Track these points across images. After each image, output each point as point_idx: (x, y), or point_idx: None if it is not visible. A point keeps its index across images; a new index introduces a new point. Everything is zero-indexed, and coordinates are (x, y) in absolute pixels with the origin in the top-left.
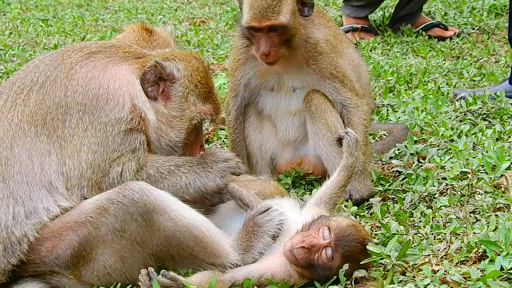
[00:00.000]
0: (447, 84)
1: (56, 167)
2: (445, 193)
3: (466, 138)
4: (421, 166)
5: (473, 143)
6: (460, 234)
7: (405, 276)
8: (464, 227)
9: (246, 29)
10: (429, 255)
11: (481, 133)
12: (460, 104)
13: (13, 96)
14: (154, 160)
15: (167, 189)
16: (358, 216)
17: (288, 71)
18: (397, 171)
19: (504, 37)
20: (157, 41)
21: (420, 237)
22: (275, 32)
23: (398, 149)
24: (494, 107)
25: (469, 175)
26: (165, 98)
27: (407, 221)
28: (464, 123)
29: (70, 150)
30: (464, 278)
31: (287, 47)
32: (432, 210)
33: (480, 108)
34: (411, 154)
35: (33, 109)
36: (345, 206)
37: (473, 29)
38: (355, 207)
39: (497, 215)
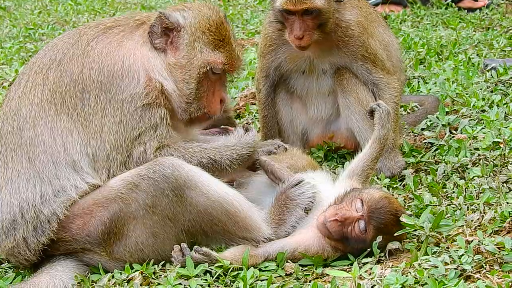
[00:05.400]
0: (477, 55)
1: (79, 147)
2: (477, 164)
3: (498, 108)
4: (453, 137)
5: (505, 113)
6: (493, 204)
7: (439, 247)
8: (497, 197)
9: (279, 12)
10: (462, 225)
11: None
12: (491, 75)
13: (33, 76)
14: (182, 146)
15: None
16: (391, 188)
17: (319, 55)
18: (429, 142)
19: None
20: None
21: (453, 208)
22: (309, 15)
23: (430, 121)
24: None
25: (501, 145)
26: (174, 49)
27: (440, 192)
28: (495, 93)
29: (93, 130)
30: (498, 248)
31: (321, 32)
32: (465, 180)
33: (511, 78)
34: (443, 125)
35: (52, 87)
36: (377, 178)
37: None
38: (388, 179)
39: None
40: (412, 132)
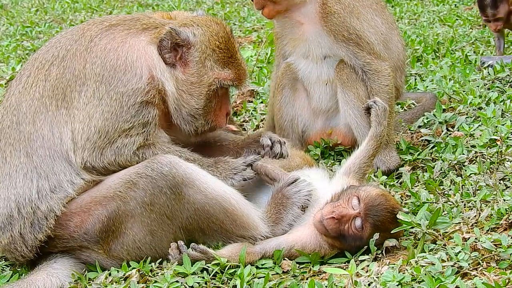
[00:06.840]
0: (474, 52)
1: (70, 135)
2: (474, 161)
3: (495, 106)
4: (450, 134)
5: (502, 110)
6: (490, 202)
7: (436, 244)
8: (494, 194)
9: None
10: (459, 223)
11: (509, 100)
12: (488, 72)
13: (35, 72)
14: (166, 147)
15: None
16: (387, 186)
17: (310, 36)
18: (426, 139)
19: None
20: None
21: (450, 205)
22: None
23: (427, 118)
24: None
25: (498, 142)
26: (183, 64)
27: (437, 190)
28: (492, 91)
29: (82, 116)
30: (495, 245)
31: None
32: (462, 178)
33: (508, 75)
34: (439, 122)
35: (54, 83)
36: (374, 175)
37: None
38: (385, 177)
39: None
40: (409, 129)
